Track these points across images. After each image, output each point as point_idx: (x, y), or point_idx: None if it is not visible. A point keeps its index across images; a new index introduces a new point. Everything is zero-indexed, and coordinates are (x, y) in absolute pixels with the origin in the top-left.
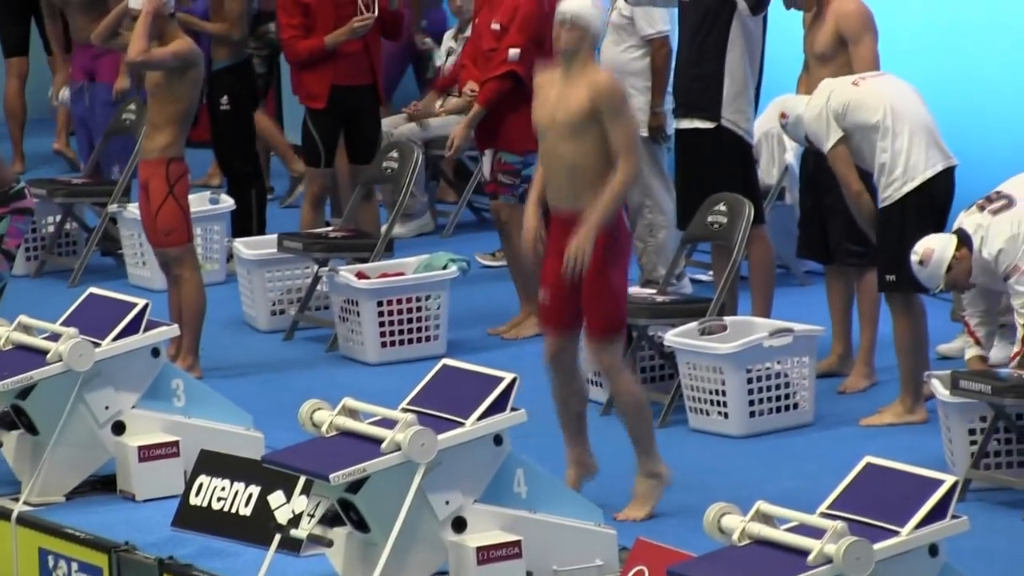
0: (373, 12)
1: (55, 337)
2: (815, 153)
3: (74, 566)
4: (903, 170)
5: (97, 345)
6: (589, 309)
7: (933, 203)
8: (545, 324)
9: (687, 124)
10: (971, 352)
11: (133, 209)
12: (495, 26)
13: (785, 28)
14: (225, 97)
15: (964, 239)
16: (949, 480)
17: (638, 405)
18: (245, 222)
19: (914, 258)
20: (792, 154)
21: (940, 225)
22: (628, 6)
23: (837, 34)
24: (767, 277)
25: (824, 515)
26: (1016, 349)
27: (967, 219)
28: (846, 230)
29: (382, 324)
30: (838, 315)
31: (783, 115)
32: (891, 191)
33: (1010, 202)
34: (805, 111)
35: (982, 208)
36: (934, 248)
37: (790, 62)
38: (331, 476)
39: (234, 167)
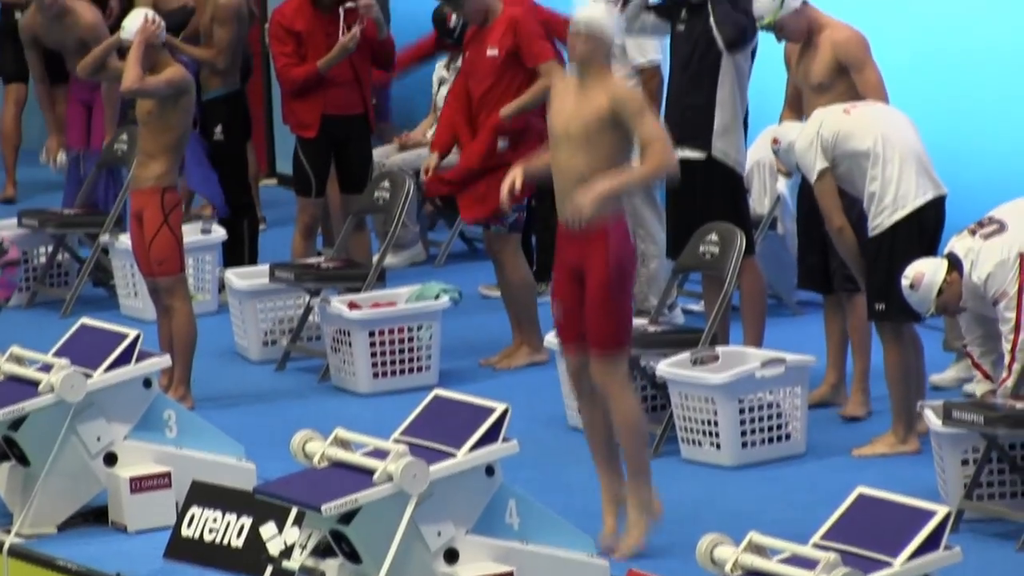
0: (360, 25)
1: (47, 368)
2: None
3: None
4: (893, 198)
5: (89, 376)
6: (591, 324)
7: (923, 232)
8: (561, 340)
9: (678, 154)
10: (981, 389)
11: (125, 240)
12: (492, 52)
13: (775, 59)
14: (219, 127)
15: (955, 263)
16: (942, 511)
17: (636, 428)
18: (237, 252)
19: (905, 282)
20: (783, 184)
21: (929, 254)
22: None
23: (835, 62)
24: (759, 307)
25: (817, 546)
26: (1003, 375)
27: (958, 243)
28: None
29: (374, 354)
30: (834, 345)
31: (775, 140)
32: (881, 219)
33: (1002, 227)
34: (797, 140)
35: (973, 232)
36: (924, 272)
37: (779, 93)
38: (323, 507)
39: (228, 197)
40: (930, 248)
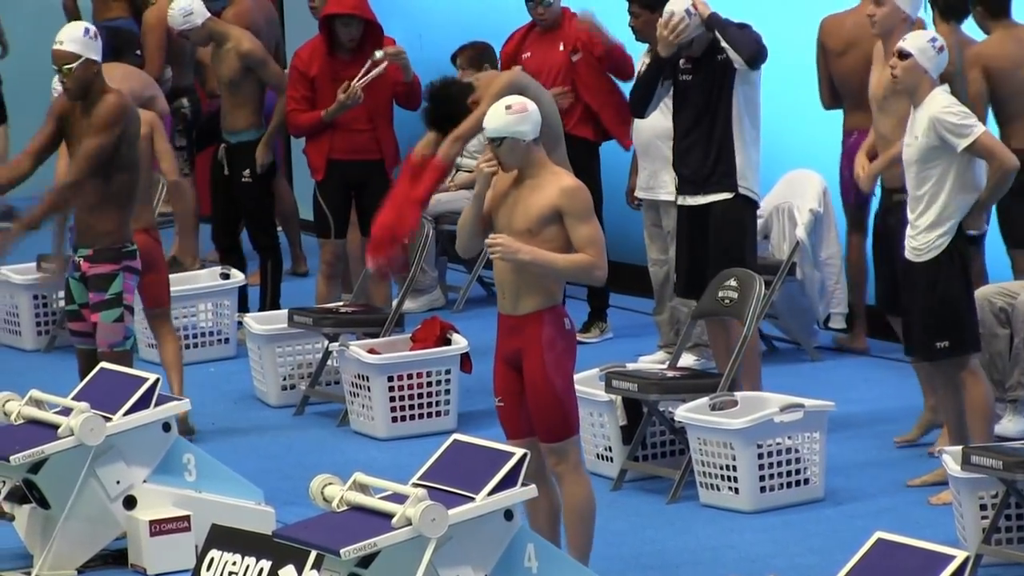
0: (378, 68)
1: (66, 412)
2: (882, 212)
3: None
4: (950, 226)
5: (108, 420)
6: (536, 416)
7: (964, 263)
8: (505, 431)
9: (702, 200)
10: (1012, 426)
11: None
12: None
13: (787, 104)
14: (247, 170)
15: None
16: (960, 556)
17: (586, 515)
18: (260, 294)
19: None
20: (802, 230)
21: (970, 289)
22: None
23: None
24: (753, 353)
25: None
26: None
27: None
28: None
29: (392, 399)
30: (920, 367)
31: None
32: (941, 240)
33: None
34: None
35: None
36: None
37: (794, 138)
38: (342, 550)
39: (256, 240)
40: (969, 282)
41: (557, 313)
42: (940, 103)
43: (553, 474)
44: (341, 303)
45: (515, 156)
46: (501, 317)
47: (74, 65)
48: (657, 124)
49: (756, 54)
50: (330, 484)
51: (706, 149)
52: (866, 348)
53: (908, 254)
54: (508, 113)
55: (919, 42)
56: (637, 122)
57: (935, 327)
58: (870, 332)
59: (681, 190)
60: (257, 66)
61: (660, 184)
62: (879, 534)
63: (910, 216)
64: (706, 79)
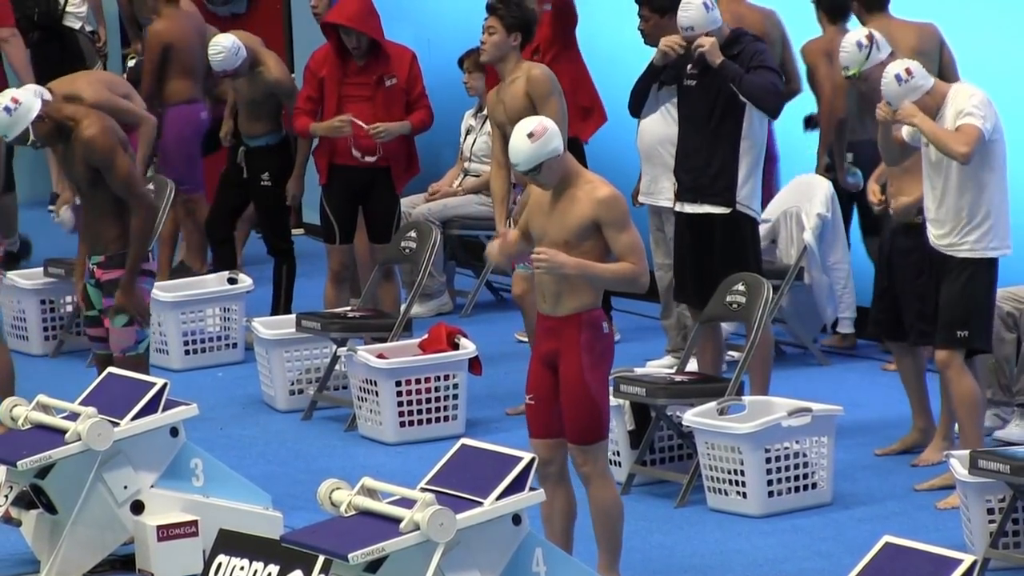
0: (350, 126)
1: (74, 416)
2: (892, 232)
3: None
4: (1003, 236)
5: (116, 424)
6: (568, 416)
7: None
8: (530, 430)
9: (699, 209)
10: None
11: (155, 291)
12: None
13: (793, 103)
14: (266, 173)
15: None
16: (967, 560)
17: (615, 518)
18: (275, 296)
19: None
20: (810, 234)
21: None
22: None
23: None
24: (765, 357)
25: None
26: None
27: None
28: (919, 311)
29: (400, 404)
30: (913, 389)
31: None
32: (982, 244)
33: None
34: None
35: None
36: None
37: (797, 138)
38: (350, 555)
39: (271, 243)
40: (995, 283)
41: (596, 316)
42: (965, 93)
43: (579, 476)
44: (349, 308)
45: (554, 173)
46: (540, 317)
47: (32, 139)
48: (659, 130)
49: (780, 107)
50: (338, 489)
51: (708, 158)
52: (854, 344)
53: (932, 243)
54: (533, 140)
55: (898, 90)
56: (640, 128)
57: (959, 315)
58: (861, 334)
59: (680, 196)
60: (284, 96)
61: (660, 190)
62: (887, 538)
63: (929, 205)
64: (711, 84)
